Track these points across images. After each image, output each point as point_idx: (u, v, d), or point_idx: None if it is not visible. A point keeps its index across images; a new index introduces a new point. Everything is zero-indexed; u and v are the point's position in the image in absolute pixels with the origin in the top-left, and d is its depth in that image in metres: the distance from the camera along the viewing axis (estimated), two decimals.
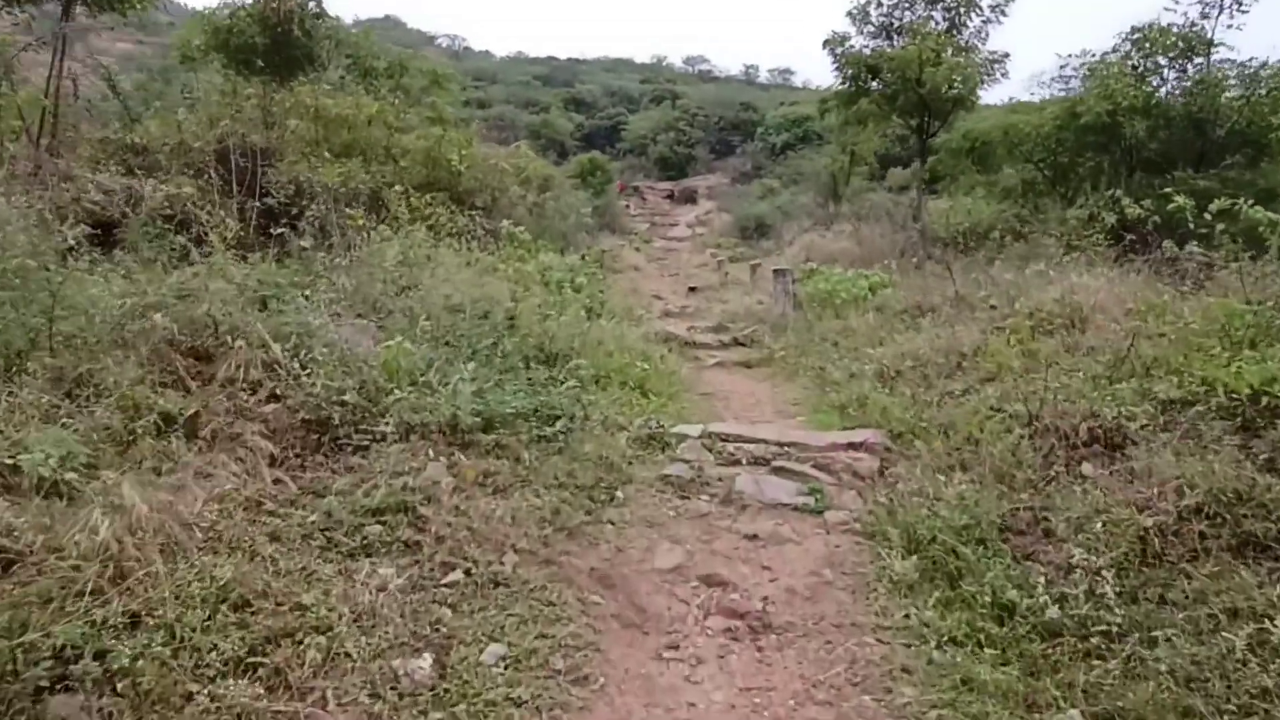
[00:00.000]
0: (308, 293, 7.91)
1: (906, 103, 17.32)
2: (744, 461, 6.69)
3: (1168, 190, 11.27)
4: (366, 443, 5.21)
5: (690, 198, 42.98)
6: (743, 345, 12.51)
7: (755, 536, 5.36)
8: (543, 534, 4.79)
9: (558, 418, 6.35)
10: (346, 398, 5.35)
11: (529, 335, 7.74)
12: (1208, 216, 9.97)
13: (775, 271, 12.78)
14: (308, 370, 5.50)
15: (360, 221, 8.73)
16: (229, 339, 5.82)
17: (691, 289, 21.37)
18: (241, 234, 9.98)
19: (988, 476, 5.66)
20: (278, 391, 5.40)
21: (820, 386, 9.23)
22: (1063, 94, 20.41)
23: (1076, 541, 4.59)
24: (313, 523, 4.33)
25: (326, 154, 11.32)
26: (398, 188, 12.20)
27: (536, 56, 59.83)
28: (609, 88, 52.36)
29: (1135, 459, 5.36)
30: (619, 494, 5.74)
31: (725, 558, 5.06)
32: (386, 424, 5.35)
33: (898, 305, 11.56)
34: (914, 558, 4.75)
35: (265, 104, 12.09)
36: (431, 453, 5.33)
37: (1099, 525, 4.69)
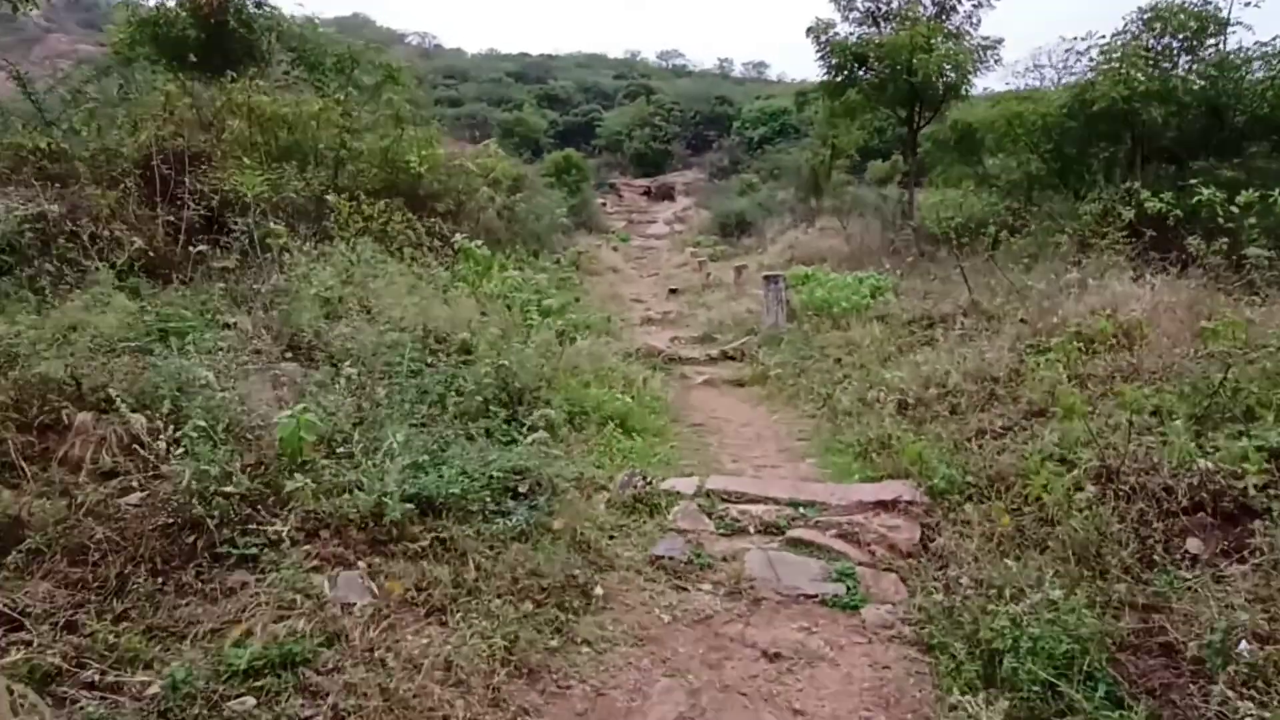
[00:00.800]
0: (225, 328, 6.51)
1: (896, 92, 15.99)
2: (752, 530, 5.33)
3: (1193, 182, 10.13)
4: (256, 549, 3.79)
5: (668, 194, 41.55)
6: (733, 359, 11.16)
7: (778, 655, 4.00)
8: (493, 683, 3.40)
9: (519, 487, 4.97)
10: (230, 487, 3.93)
11: (488, 372, 6.33)
12: (1235, 209, 8.86)
13: (766, 278, 11.43)
14: (180, 448, 4.08)
15: (284, 239, 7.26)
16: (89, 403, 4.39)
17: (673, 291, 20.04)
18: (156, 253, 8.55)
19: (1068, 557, 4.36)
20: (137, 482, 3.97)
21: (828, 416, 7.89)
22: (1036, 85, 19.36)
23: (1224, 677, 3.28)
24: (149, 703, 2.92)
25: (263, 158, 9.82)
26: (345, 195, 10.77)
27: (508, 53, 58.13)
28: (583, 84, 50.71)
29: (1263, 536, 4.08)
30: (597, 590, 4.36)
31: (741, 695, 3.70)
32: (286, 520, 3.94)
33: (904, 315, 10.25)
34: (1001, 701, 3.41)
35: (197, 104, 10.57)
36: (350, 556, 3.94)
37: (1242, 647, 3.39)
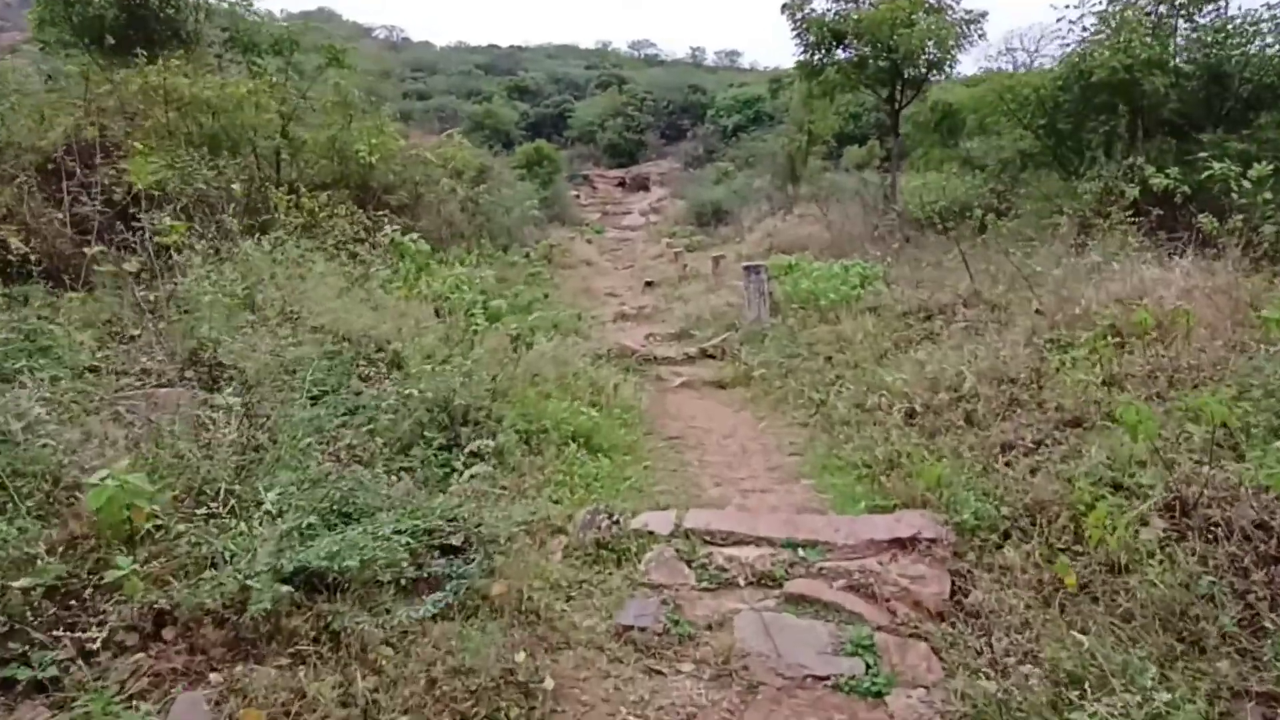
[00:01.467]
0: (123, 341, 5.38)
1: (877, 71, 14.94)
2: (741, 581, 4.27)
3: (1201, 155, 9.19)
4: (58, 666, 2.68)
5: (642, 185, 40.39)
6: (713, 358, 10.09)
7: None
8: None
9: (451, 539, 3.89)
10: (25, 579, 2.81)
11: (425, 389, 5.22)
12: (1247, 184, 7.96)
13: (746, 269, 10.34)
14: None
15: (178, 235, 6.08)
16: None
17: (648, 284, 18.95)
18: (57, 256, 7.37)
19: (1149, 621, 3.35)
20: None
21: (822, 425, 6.85)
22: (1008, 69, 18.45)
23: None
24: None
25: (182, 147, 8.61)
26: (286, 188, 9.59)
27: (477, 45, 56.46)
28: (554, 74, 49.24)
29: None
30: (546, 684, 3.29)
31: None
32: (105, 621, 2.83)
33: (898, 306, 9.24)
34: None
35: (116, 90, 9.31)
36: (201, 666, 2.84)
37: None
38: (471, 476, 4.35)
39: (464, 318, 5.90)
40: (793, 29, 15.80)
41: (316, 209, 9.42)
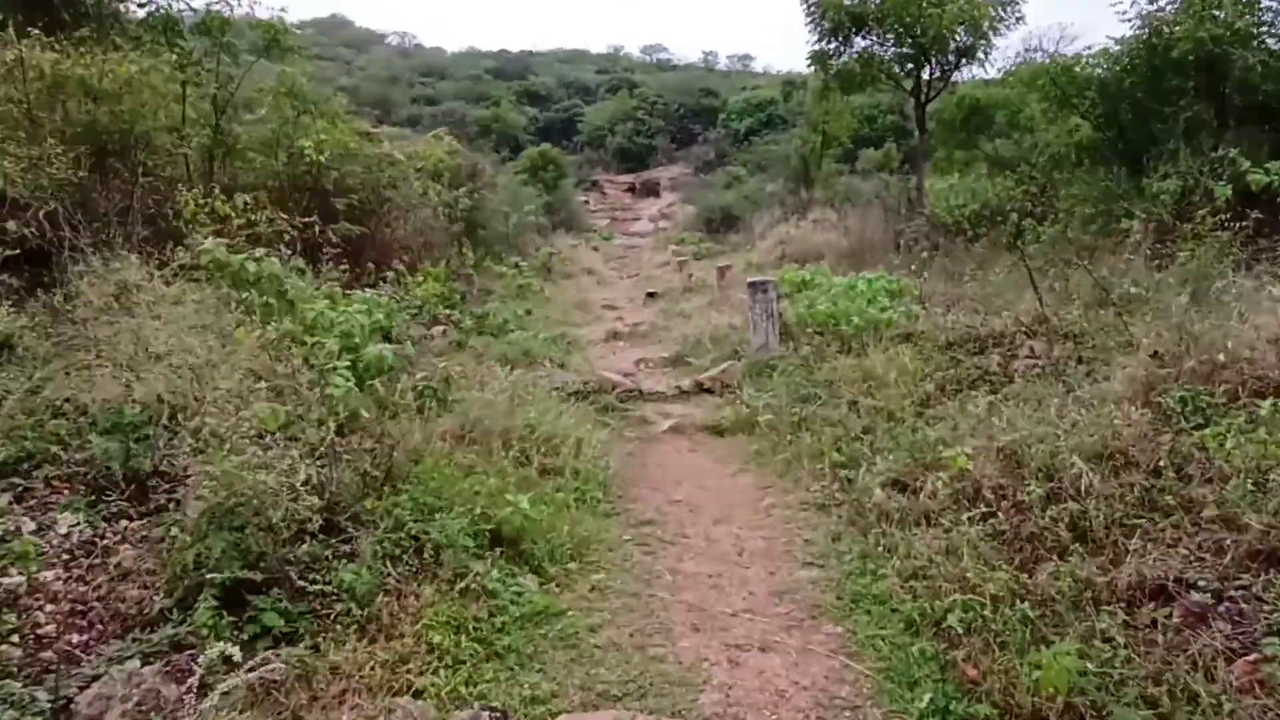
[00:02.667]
0: None
1: (901, 58, 12.83)
2: None
3: None
4: None
5: (652, 190, 38.38)
6: (710, 393, 8.02)
7: None
8: None
9: None
10: None
11: (207, 512, 3.19)
12: None
13: (752, 285, 8.21)
14: None
15: None
16: None
17: (650, 295, 16.94)
18: None
19: None
20: None
21: (850, 514, 4.78)
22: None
23: None
24: None
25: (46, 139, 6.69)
26: (213, 191, 7.66)
27: (488, 50, 54.72)
28: (564, 79, 47.30)
29: None
30: None
31: None
32: None
33: (939, 334, 7.14)
34: None
35: None
36: None
37: None
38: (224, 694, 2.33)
39: (322, 374, 3.97)
40: (807, 14, 13.74)
41: (234, 214, 7.47)
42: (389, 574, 3.45)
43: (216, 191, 7.68)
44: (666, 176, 39.06)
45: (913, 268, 11.42)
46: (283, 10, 10.05)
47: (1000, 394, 5.42)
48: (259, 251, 5.43)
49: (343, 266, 8.72)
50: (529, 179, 28.21)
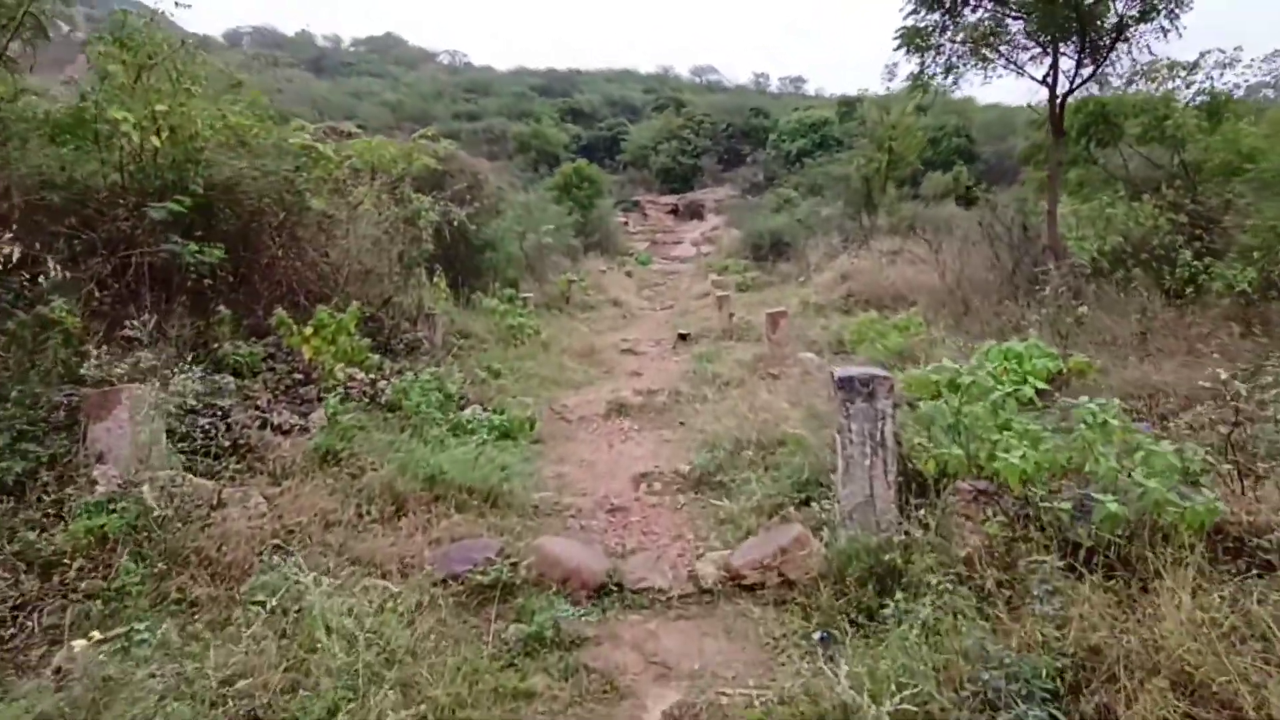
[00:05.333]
0: None
1: (1046, 27, 8.62)
2: None
3: None
4: None
5: (696, 213, 34.46)
6: (752, 591, 3.88)
7: None
8: None
9: None
10: None
11: None
12: None
13: (843, 384, 4.04)
14: None
15: None
16: None
17: (683, 336, 12.90)
18: None
19: None
20: None
21: None
22: None
23: None
24: None
25: None
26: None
27: (535, 69, 51.40)
28: (610, 98, 43.62)
29: None
30: None
31: None
32: None
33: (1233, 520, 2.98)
34: None
35: None
36: None
37: None
38: None
39: None
40: None
41: None
42: None
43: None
44: (712, 198, 35.13)
45: (1061, 330, 7.27)
46: None
47: None
48: None
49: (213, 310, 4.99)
50: (560, 196, 24.52)
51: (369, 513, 4.26)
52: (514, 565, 3.78)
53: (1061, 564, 2.94)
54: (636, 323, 16.04)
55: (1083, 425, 3.46)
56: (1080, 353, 6.81)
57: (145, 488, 3.43)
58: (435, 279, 9.89)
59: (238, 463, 4.56)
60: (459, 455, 4.95)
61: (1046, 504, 3.05)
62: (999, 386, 3.91)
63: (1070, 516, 3.02)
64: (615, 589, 3.81)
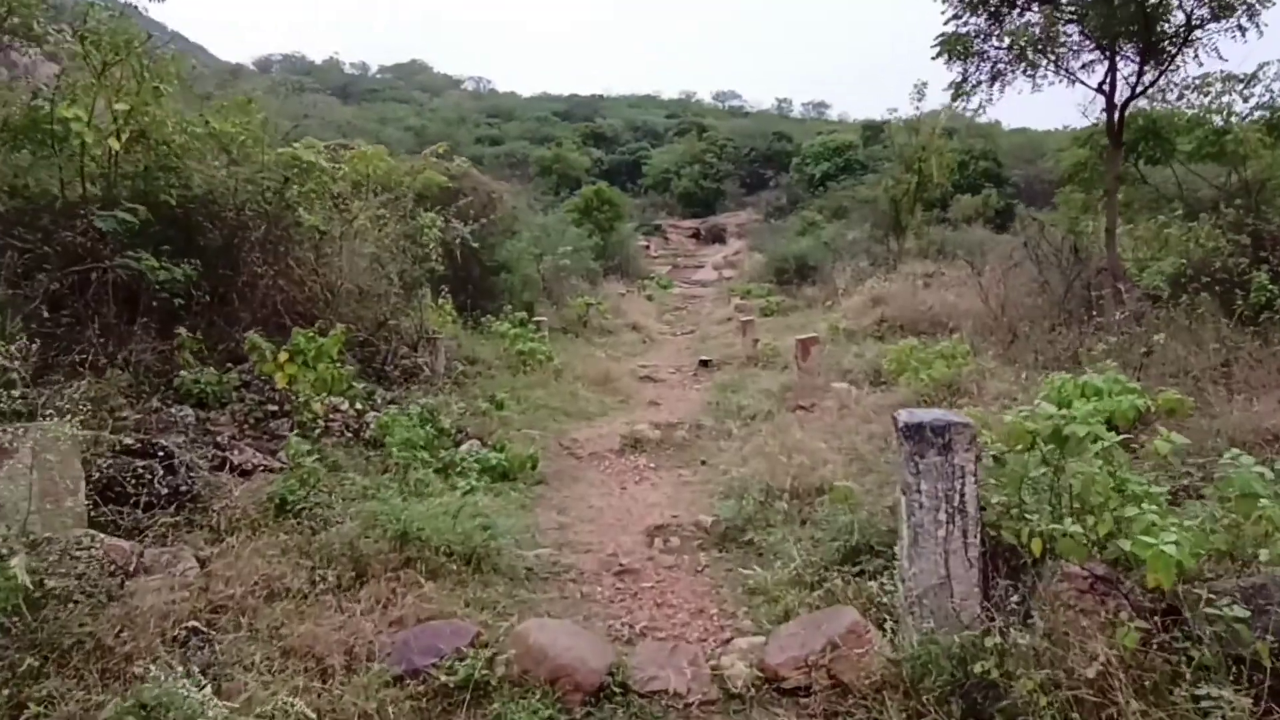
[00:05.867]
0: None
1: (1107, 28, 7.77)
2: None
3: None
4: None
5: (718, 237, 33.77)
6: (800, 699, 2.99)
7: None
8: None
9: None
10: None
11: None
12: None
13: (909, 433, 3.15)
14: None
15: None
16: None
17: (704, 363, 12.12)
18: None
19: None
20: None
21: None
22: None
23: None
24: None
25: None
26: None
27: (558, 95, 51.24)
28: (632, 122, 43.24)
29: None
30: None
31: None
32: None
33: None
34: None
35: None
36: None
37: None
38: None
39: None
40: None
41: None
42: None
43: None
44: (734, 222, 34.43)
45: (1131, 362, 6.38)
46: None
47: None
48: None
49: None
50: (580, 218, 23.91)
51: (324, 579, 3.47)
52: (491, 658, 2.95)
53: (1235, 693, 2.07)
54: (656, 348, 15.26)
55: (1232, 489, 2.58)
56: (1157, 386, 5.89)
57: (18, 559, 2.65)
58: (441, 300, 9.18)
59: (174, 514, 3.80)
60: (440, 505, 4.15)
61: (1214, 610, 2.17)
62: (1105, 435, 3.04)
63: (1247, 626, 2.14)
64: (618, 691, 2.96)
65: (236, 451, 4.75)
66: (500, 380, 8.81)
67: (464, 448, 6.04)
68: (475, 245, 10.53)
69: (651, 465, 6.67)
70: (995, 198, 25.43)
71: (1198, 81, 10.35)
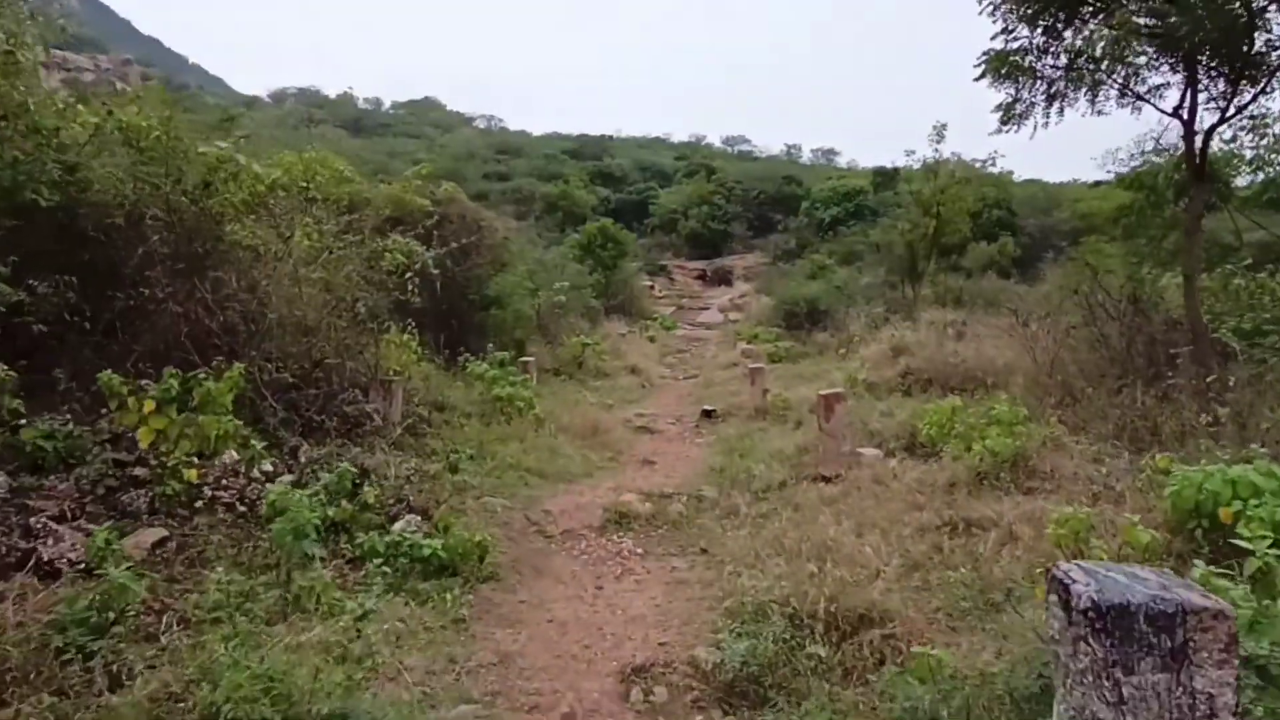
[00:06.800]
0: None
1: (1192, 44, 6.49)
2: None
3: None
4: None
5: (724, 279, 32.59)
6: None
7: None
8: None
9: None
10: None
11: None
12: None
13: (1101, 621, 1.53)
14: None
15: None
16: None
17: (707, 414, 10.70)
18: None
19: None
20: None
21: None
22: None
23: None
24: None
25: None
26: None
27: (568, 134, 50.74)
28: (641, 163, 42.50)
29: None
30: None
31: None
32: None
33: None
34: None
35: None
36: None
37: None
38: None
39: None
40: None
41: None
42: None
43: None
44: (741, 265, 33.31)
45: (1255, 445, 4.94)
46: None
47: None
48: None
49: None
50: (582, 255, 22.72)
51: None
52: None
53: None
54: (655, 394, 13.84)
55: None
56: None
57: None
58: (406, 336, 7.82)
59: None
60: (280, 651, 2.70)
61: None
62: None
63: None
64: None
65: (51, 541, 3.35)
66: (469, 431, 7.41)
67: (398, 525, 4.64)
68: (439, 270, 9.09)
69: (638, 551, 5.23)
70: (1011, 245, 24.21)
71: (1253, 121, 9.11)
